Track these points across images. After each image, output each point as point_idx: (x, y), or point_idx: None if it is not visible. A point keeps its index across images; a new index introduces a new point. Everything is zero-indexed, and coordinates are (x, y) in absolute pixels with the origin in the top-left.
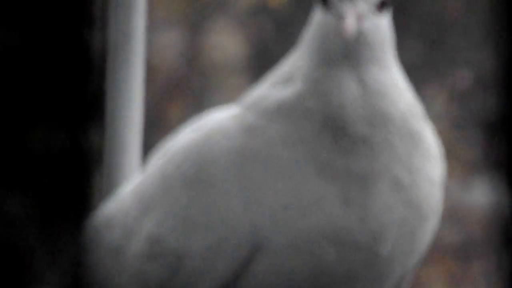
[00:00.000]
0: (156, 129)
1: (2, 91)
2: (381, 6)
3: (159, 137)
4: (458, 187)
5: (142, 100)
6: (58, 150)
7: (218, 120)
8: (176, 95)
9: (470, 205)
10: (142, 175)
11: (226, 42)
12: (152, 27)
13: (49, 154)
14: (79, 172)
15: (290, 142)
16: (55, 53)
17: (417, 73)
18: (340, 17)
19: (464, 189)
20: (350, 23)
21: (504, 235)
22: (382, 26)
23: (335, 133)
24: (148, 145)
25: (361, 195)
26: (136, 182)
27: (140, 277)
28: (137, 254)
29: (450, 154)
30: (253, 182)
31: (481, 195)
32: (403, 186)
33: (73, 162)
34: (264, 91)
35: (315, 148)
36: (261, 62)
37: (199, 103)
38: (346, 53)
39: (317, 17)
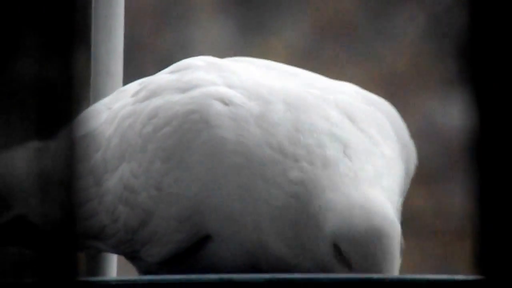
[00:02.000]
0: (138, 56)
1: None
2: None
3: (142, 64)
4: (436, 106)
5: (123, 27)
6: (46, 77)
7: (207, 84)
8: (157, 23)
9: (448, 123)
10: (124, 97)
11: None
12: None
13: (37, 81)
14: (67, 97)
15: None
16: None
17: None
18: None
19: (441, 108)
20: None
21: (474, 153)
22: None
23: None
24: (131, 71)
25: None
26: (117, 108)
27: (112, 213)
28: (112, 191)
29: (429, 73)
30: (224, 174)
31: (458, 112)
32: None
33: (62, 88)
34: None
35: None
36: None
37: (180, 33)
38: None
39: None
